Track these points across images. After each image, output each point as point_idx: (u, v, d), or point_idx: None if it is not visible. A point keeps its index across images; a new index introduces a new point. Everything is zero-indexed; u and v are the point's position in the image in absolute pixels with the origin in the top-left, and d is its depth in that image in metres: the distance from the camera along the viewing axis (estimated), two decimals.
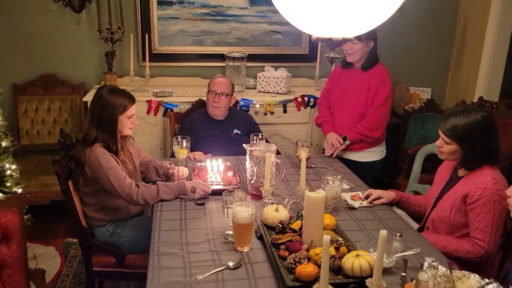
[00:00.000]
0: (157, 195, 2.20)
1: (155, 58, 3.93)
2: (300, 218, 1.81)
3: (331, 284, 1.44)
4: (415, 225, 2.33)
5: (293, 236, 1.73)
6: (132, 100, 2.31)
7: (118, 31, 3.71)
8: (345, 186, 2.45)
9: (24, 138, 3.82)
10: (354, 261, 1.52)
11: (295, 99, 3.72)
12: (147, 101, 3.54)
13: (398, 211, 2.46)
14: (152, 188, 2.22)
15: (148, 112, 3.55)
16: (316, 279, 1.49)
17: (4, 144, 2.79)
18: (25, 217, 2.91)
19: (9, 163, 2.82)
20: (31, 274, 1.92)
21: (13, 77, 3.80)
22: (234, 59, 3.84)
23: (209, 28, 4.01)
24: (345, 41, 1.53)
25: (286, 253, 1.63)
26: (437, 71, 4.48)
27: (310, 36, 4.16)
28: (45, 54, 3.82)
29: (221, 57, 3.96)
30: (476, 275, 1.56)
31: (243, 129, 3.20)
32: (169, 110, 3.52)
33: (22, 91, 3.82)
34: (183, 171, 2.42)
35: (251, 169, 2.23)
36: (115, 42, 3.74)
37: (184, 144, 2.57)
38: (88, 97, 3.52)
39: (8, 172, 2.74)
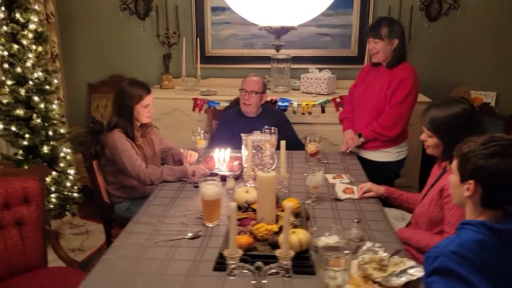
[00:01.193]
0: (161, 176, 2.45)
1: (208, 61, 4.25)
2: None
3: (256, 256, 1.55)
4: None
5: (252, 214, 1.85)
6: (147, 90, 2.59)
7: (174, 35, 4.09)
8: (345, 180, 2.47)
9: None
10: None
11: (334, 99, 3.76)
12: (193, 99, 3.85)
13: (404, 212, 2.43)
14: (157, 170, 2.48)
15: (193, 109, 3.85)
16: (249, 249, 1.60)
17: (62, 130, 3.27)
18: (77, 195, 3.38)
19: (66, 147, 3.30)
20: (47, 234, 2.27)
21: (89, 77, 4.39)
22: (278, 61, 4.00)
23: (259, 32, 4.19)
24: (285, 29, 1.64)
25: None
26: (503, 74, 4.16)
27: (359, 37, 4.14)
28: (114, 57, 4.35)
29: (270, 59, 4.13)
30: (413, 262, 1.55)
31: (274, 127, 3.33)
32: (211, 107, 3.78)
33: (95, 90, 4.38)
34: (191, 154, 2.65)
35: (246, 157, 2.38)
36: (171, 45, 4.13)
37: (202, 134, 2.80)
38: None
39: (62, 154, 3.21)
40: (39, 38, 3.00)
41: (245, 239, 1.61)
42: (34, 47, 2.96)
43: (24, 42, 2.91)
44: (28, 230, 2.20)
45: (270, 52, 4.18)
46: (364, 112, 2.87)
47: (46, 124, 3.08)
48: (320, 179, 2.14)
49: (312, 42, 4.20)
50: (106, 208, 2.61)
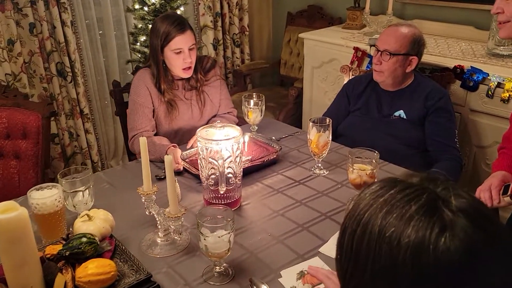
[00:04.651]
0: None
1: None
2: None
3: None
4: None
5: None
6: (178, 30, 1.87)
7: None
8: None
9: (282, 68, 3.86)
10: None
11: None
12: (354, 48, 2.76)
13: None
14: (149, 138, 1.89)
15: (351, 62, 2.78)
16: None
17: None
18: None
19: None
20: (44, 175, 2.15)
21: (289, 5, 3.81)
22: None
23: None
24: None
25: None
26: None
27: None
28: None
29: None
30: None
31: (414, 113, 2.05)
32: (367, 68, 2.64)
33: (292, 21, 3.77)
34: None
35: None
36: None
37: (252, 104, 1.97)
38: (305, 35, 3.13)
39: None
40: None
41: None
42: None
43: None
44: (23, 165, 2.14)
45: None
46: None
47: None
48: (220, 238, 1.11)
49: None
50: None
